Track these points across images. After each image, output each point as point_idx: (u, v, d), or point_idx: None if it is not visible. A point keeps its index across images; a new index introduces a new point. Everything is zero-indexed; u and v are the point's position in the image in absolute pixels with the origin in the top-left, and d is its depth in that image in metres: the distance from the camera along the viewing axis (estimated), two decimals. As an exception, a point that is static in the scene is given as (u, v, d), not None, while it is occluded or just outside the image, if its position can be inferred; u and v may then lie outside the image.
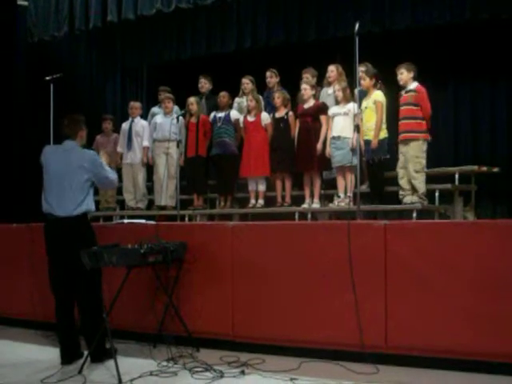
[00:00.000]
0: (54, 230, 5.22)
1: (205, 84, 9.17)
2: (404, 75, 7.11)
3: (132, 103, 9.34)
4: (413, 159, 7.00)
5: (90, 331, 5.17)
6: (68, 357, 5.27)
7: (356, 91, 6.86)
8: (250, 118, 8.25)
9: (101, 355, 5.21)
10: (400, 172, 7.16)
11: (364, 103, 7.35)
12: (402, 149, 7.14)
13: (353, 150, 7.24)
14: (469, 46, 8.82)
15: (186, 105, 8.73)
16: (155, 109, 9.55)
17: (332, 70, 8.02)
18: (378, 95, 7.31)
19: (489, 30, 8.44)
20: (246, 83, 8.69)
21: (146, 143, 9.01)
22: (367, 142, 7.30)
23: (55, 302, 5.32)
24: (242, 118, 8.44)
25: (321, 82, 8.32)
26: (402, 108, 7.15)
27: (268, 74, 8.69)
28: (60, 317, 5.31)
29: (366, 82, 7.36)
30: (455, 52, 9.00)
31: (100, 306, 5.17)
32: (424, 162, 7.07)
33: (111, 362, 4.92)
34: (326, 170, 7.87)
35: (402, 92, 7.19)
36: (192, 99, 8.71)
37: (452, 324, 4.68)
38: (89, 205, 5.28)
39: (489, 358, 4.57)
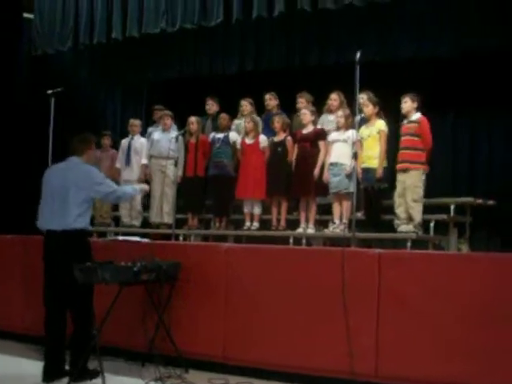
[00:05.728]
0: (50, 244, 5.25)
1: (212, 106, 9.16)
2: (407, 104, 7.13)
3: (132, 121, 9.40)
4: (411, 188, 7.00)
5: (78, 347, 5.14)
6: (50, 374, 5.18)
7: (357, 118, 6.87)
8: (248, 141, 8.25)
9: (82, 374, 5.11)
10: (397, 201, 7.16)
11: (366, 131, 7.36)
12: (400, 178, 7.14)
13: (349, 177, 7.27)
14: (469, 79, 8.85)
15: (186, 124, 8.73)
16: (151, 128, 9.58)
17: (335, 99, 8.05)
18: (382, 124, 7.32)
19: (488, 64, 8.50)
20: (245, 105, 8.70)
21: (144, 161, 9.04)
22: (366, 170, 7.30)
23: (46, 314, 5.31)
24: (239, 140, 8.46)
25: (320, 107, 8.34)
26: (403, 138, 7.16)
27: (267, 96, 8.70)
28: (49, 330, 5.27)
29: (368, 109, 7.35)
30: (455, 84, 9.05)
31: (91, 322, 5.14)
32: (422, 192, 7.08)
33: (98, 381, 4.89)
34: (322, 196, 7.87)
35: (404, 122, 7.22)
36: (193, 119, 8.70)
37: (444, 355, 4.66)
38: (83, 222, 5.27)
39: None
